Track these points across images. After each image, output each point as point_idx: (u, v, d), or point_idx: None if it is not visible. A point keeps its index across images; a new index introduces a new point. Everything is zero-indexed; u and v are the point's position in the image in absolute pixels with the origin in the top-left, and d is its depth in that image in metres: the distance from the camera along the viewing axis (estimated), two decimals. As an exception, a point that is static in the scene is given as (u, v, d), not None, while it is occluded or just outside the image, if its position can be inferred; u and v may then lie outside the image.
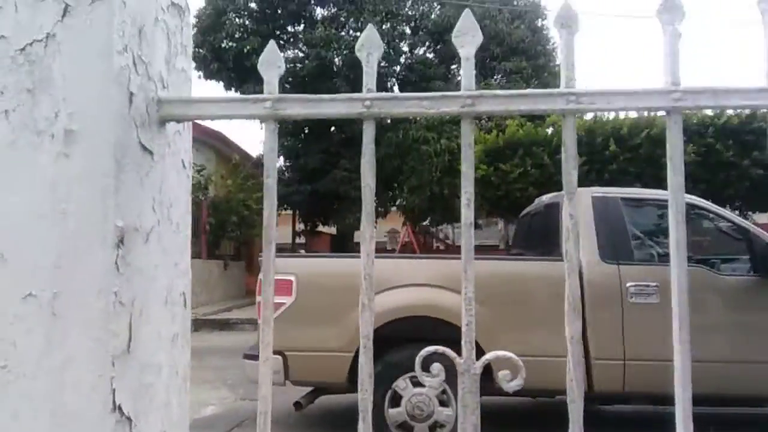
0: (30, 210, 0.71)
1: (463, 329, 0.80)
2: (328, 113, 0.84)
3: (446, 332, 3.41)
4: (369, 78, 0.83)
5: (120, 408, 0.71)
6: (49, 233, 0.70)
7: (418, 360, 0.81)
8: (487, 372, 3.75)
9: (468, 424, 0.77)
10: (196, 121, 0.89)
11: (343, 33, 15.41)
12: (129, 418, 0.73)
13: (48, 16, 0.73)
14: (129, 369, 0.73)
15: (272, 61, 0.85)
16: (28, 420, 0.69)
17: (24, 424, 0.70)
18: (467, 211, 0.81)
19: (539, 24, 16.53)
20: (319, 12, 16.20)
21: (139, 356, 0.75)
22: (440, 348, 0.80)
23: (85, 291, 0.70)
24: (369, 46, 0.84)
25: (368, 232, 0.82)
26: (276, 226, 0.85)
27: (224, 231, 13.42)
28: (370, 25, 0.87)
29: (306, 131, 15.63)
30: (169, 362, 0.84)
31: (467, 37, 0.83)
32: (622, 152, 9.17)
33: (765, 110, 0.89)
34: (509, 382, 0.81)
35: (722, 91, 0.80)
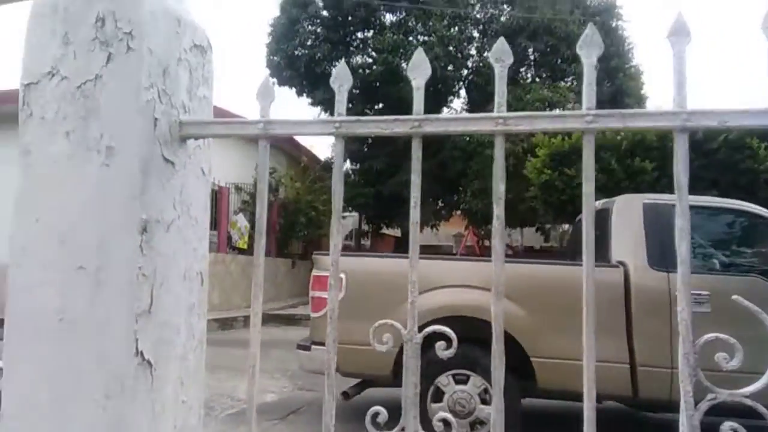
0: (82, 205, 0.97)
1: (409, 307, 0.99)
2: (307, 132, 1.06)
3: (489, 332, 3.51)
4: (340, 105, 1.04)
5: (142, 354, 0.96)
6: (94, 222, 0.96)
7: (371, 330, 1.01)
8: (528, 373, 3.81)
9: (409, 382, 0.97)
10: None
11: (410, 38, 15.65)
12: (149, 363, 0.98)
13: (97, 62, 0.99)
14: (150, 325, 0.98)
15: (266, 93, 1.07)
16: (78, 359, 0.96)
17: (76, 363, 0.96)
18: (414, 212, 1.00)
19: (613, 24, 16.09)
20: (388, 18, 16.53)
21: (159, 317, 1.00)
22: (389, 321, 1.00)
23: (118, 265, 0.95)
24: (340, 78, 1.05)
25: (336, 227, 1.03)
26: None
27: (293, 231, 14.01)
28: (342, 62, 1.08)
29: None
30: (187, 326, 1.09)
31: (419, 71, 1.03)
32: (697, 158, 8.82)
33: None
34: (444, 351, 0.99)
35: (629, 114, 0.95)
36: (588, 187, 0.95)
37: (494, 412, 0.93)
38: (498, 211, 0.98)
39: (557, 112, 0.92)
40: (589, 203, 0.95)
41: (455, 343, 0.98)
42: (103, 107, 0.98)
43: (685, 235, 0.92)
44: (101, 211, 0.97)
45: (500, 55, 0.99)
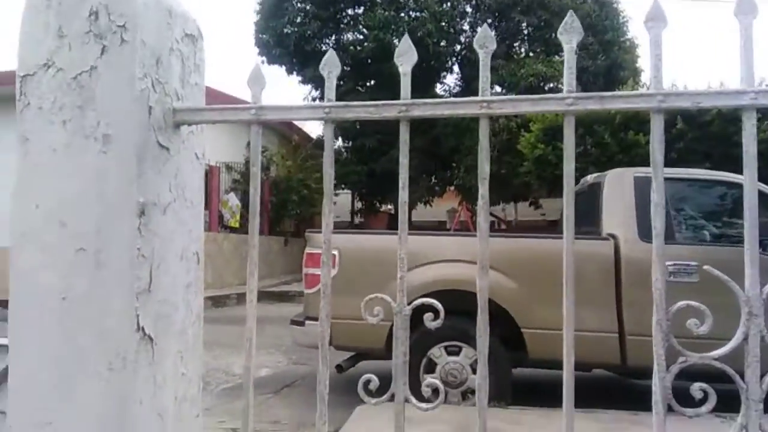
0: (81, 191, 1.01)
1: (398, 281, 1.04)
2: (297, 117, 1.09)
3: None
4: (329, 91, 1.08)
5: (143, 329, 1.01)
6: (93, 207, 1.01)
7: (362, 304, 1.06)
8: (519, 343, 3.90)
9: (399, 352, 1.03)
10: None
11: (402, 14, 15.46)
12: (150, 338, 1.03)
13: (91, 54, 1.02)
14: (149, 302, 1.03)
15: (257, 79, 1.11)
16: (81, 336, 1.01)
17: (79, 339, 1.01)
18: (403, 193, 1.05)
19: (608, -2, 15.97)
20: (380, -7, 16.30)
21: (158, 295, 1.05)
22: (380, 294, 1.05)
23: (118, 247, 1.00)
24: (329, 65, 1.08)
25: (327, 207, 1.07)
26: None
27: (285, 209, 14.00)
28: (331, 50, 1.11)
29: (365, 112, 15.88)
30: (185, 303, 1.14)
31: (405, 57, 1.07)
32: (691, 130, 8.86)
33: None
34: (432, 321, 1.05)
35: (607, 96, 0.99)
36: (569, 166, 1.00)
37: (479, 378, 0.99)
38: (483, 190, 1.02)
39: (539, 95, 0.96)
40: (570, 183, 1.00)
41: (442, 314, 1.04)
42: (99, 97, 1.02)
43: (660, 210, 0.97)
44: (100, 196, 1.01)
45: (484, 41, 1.03)
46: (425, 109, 1.04)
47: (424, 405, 1.03)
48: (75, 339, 1.01)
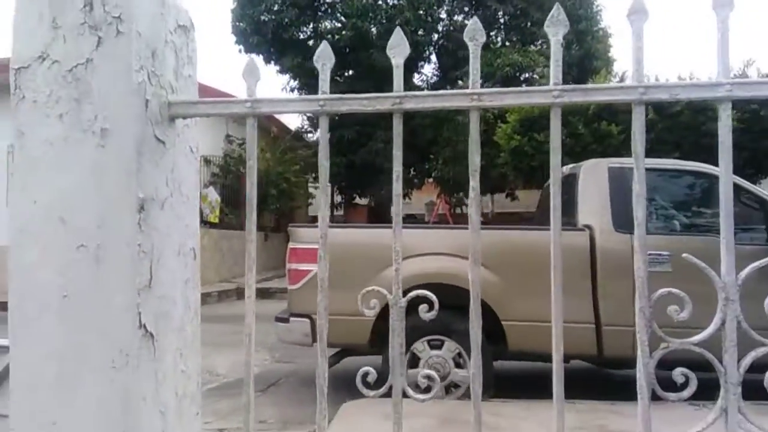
0: (79, 186, 1.01)
1: (394, 274, 1.07)
2: (292, 110, 1.11)
3: (462, 298, 3.59)
4: (323, 83, 1.09)
5: (144, 326, 1.02)
6: (93, 202, 1.01)
7: (359, 297, 1.09)
8: (500, 336, 3.93)
9: (396, 343, 1.05)
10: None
11: (380, 2, 15.39)
12: (151, 334, 1.04)
13: (87, 46, 1.02)
14: (150, 299, 1.04)
15: (252, 72, 1.12)
16: (83, 333, 1.01)
17: (81, 337, 1.01)
18: (397, 185, 1.07)
19: (582, -14, 16.10)
20: (358, -19, 16.16)
21: (158, 291, 1.06)
22: (375, 287, 1.08)
23: (118, 243, 1.00)
24: (323, 57, 1.10)
25: (323, 200, 1.09)
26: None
27: (264, 203, 13.81)
28: (324, 42, 1.13)
29: (343, 103, 15.78)
30: (183, 298, 1.15)
31: (397, 50, 1.09)
32: (662, 120, 9.06)
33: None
34: (426, 313, 1.08)
35: (591, 89, 1.03)
36: (555, 158, 1.03)
37: (473, 368, 1.02)
38: (474, 182, 1.05)
39: (526, 87, 0.99)
40: (556, 175, 1.03)
41: (437, 305, 1.07)
42: (96, 90, 1.02)
43: (641, 200, 1.02)
44: (99, 190, 1.01)
45: (474, 34, 1.05)
46: (418, 101, 1.06)
47: (421, 396, 1.06)
48: (77, 336, 1.01)
